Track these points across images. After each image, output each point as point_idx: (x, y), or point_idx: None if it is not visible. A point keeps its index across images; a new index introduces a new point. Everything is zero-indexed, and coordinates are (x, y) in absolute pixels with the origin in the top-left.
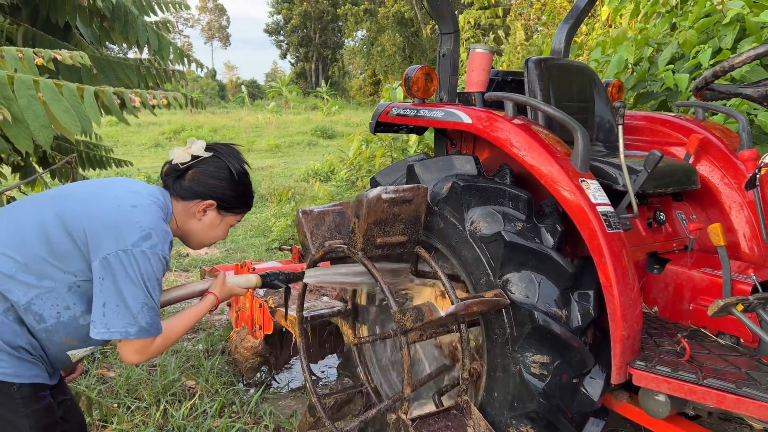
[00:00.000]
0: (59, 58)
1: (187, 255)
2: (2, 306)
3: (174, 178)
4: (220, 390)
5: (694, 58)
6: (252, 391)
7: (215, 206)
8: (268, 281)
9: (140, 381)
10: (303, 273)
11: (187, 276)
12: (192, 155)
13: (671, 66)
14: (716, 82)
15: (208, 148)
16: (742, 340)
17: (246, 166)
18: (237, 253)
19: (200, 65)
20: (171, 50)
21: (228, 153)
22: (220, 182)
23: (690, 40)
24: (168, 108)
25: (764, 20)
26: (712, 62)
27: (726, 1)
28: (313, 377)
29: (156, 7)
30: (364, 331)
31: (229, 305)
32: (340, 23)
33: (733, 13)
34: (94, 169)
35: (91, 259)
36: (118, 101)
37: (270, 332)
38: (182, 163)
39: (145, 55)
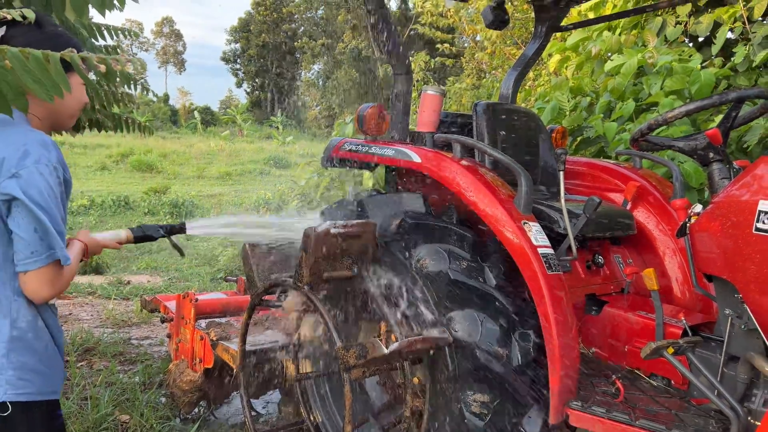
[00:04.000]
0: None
1: (128, 283)
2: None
3: None
4: (155, 425)
5: (621, 109)
6: (189, 426)
7: None
8: (141, 234)
9: (69, 414)
10: (184, 224)
11: (127, 304)
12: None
13: (600, 115)
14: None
15: None
16: (672, 382)
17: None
18: (181, 282)
19: (147, 89)
20: (117, 74)
21: None
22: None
23: (617, 88)
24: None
25: (694, 67)
26: (643, 103)
27: (656, 54)
28: (254, 413)
29: (105, 32)
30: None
31: (168, 336)
32: (298, 55)
33: (664, 63)
34: None
35: None
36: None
37: (210, 366)
38: None
39: (92, 76)
